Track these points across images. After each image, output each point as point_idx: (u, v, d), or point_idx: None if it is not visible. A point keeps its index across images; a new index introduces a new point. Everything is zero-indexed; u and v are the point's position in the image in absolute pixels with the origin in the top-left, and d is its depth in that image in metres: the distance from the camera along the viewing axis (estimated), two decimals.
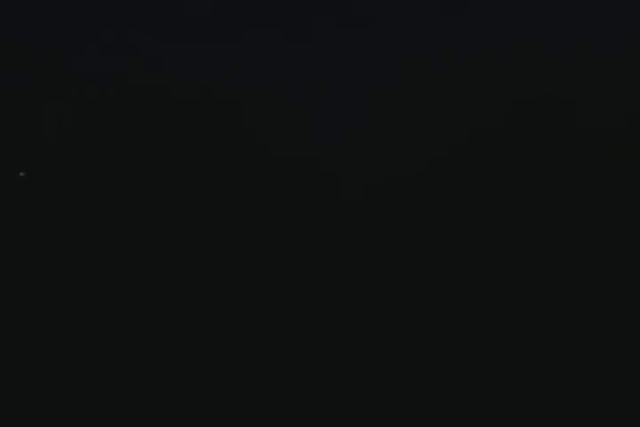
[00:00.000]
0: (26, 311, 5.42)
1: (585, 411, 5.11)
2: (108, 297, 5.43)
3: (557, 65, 5.46)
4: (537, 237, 5.35)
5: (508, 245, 5.35)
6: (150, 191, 5.41)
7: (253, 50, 5.20)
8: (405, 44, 5.25)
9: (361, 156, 5.31)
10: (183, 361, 5.35)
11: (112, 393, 5.27)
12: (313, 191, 5.28)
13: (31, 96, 5.40)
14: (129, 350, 5.36)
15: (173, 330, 5.37)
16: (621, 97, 5.38)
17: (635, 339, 5.25)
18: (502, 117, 5.33)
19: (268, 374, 5.31)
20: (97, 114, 5.48)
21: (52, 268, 5.48)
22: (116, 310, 5.40)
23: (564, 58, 5.41)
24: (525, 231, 5.37)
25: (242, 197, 5.40)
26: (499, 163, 5.32)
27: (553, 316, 5.37)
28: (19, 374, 5.30)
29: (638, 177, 5.35)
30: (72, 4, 5.34)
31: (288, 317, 5.36)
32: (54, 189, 5.45)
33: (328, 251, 5.31)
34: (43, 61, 5.40)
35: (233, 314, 5.35)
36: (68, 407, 5.25)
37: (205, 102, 5.43)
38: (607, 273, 5.32)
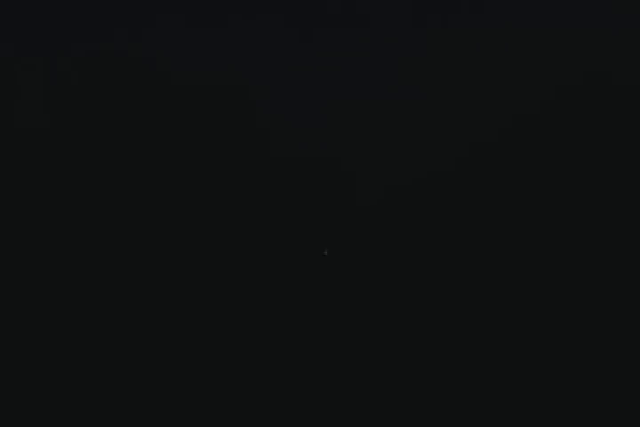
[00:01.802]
0: (26, 312, 5.39)
1: (585, 410, 5.17)
2: (105, 297, 5.40)
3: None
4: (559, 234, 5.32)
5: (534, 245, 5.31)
6: (163, 187, 5.34)
7: (264, 44, 5.09)
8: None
9: (377, 158, 5.25)
10: (182, 361, 5.35)
11: (112, 393, 5.29)
12: (325, 193, 5.22)
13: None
14: (128, 350, 5.35)
15: (174, 329, 5.36)
16: None
17: (635, 339, 5.28)
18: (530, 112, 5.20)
19: (271, 374, 5.32)
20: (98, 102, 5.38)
21: (50, 266, 5.44)
22: (114, 310, 5.38)
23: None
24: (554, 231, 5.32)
25: (252, 197, 5.34)
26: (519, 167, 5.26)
27: (555, 316, 5.39)
28: (19, 374, 5.30)
29: None
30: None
31: (297, 316, 5.35)
32: (59, 182, 5.38)
33: (342, 253, 5.29)
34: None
35: (242, 313, 5.33)
36: (68, 407, 5.27)
37: (212, 100, 5.34)
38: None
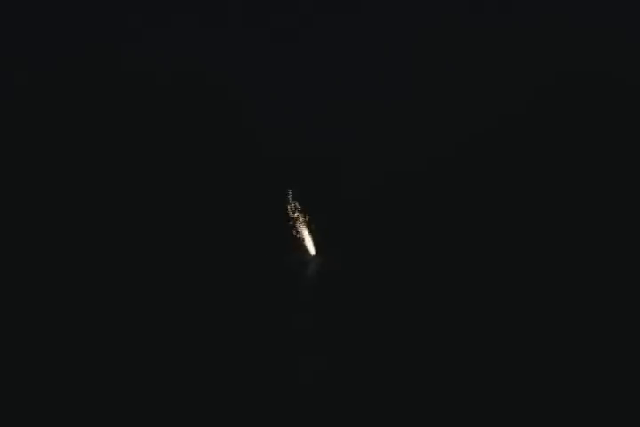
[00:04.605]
0: (26, 312, 5.40)
1: (585, 411, 5.12)
2: (103, 297, 5.40)
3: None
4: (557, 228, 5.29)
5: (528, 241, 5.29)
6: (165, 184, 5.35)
7: (254, 48, 5.09)
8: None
9: (378, 148, 5.23)
10: (182, 361, 5.34)
11: (112, 393, 5.26)
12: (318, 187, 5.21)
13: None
14: (127, 350, 5.34)
15: (173, 329, 5.35)
16: None
17: (635, 339, 5.25)
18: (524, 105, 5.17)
19: (271, 374, 5.30)
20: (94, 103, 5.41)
21: (50, 265, 5.45)
22: (111, 310, 5.38)
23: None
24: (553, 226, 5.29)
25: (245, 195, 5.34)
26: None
27: (554, 315, 5.36)
28: (19, 374, 5.29)
29: None
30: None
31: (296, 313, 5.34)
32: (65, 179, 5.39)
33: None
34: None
35: (240, 309, 5.32)
36: (68, 407, 5.25)
37: (204, 101, 5.36)
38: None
